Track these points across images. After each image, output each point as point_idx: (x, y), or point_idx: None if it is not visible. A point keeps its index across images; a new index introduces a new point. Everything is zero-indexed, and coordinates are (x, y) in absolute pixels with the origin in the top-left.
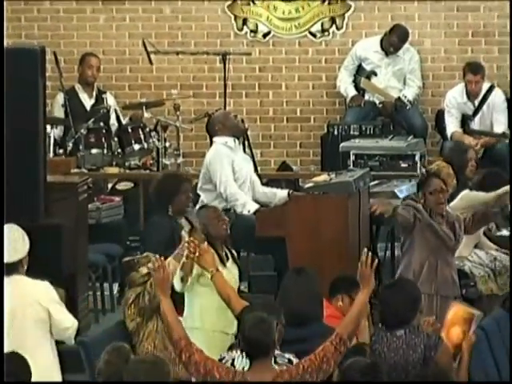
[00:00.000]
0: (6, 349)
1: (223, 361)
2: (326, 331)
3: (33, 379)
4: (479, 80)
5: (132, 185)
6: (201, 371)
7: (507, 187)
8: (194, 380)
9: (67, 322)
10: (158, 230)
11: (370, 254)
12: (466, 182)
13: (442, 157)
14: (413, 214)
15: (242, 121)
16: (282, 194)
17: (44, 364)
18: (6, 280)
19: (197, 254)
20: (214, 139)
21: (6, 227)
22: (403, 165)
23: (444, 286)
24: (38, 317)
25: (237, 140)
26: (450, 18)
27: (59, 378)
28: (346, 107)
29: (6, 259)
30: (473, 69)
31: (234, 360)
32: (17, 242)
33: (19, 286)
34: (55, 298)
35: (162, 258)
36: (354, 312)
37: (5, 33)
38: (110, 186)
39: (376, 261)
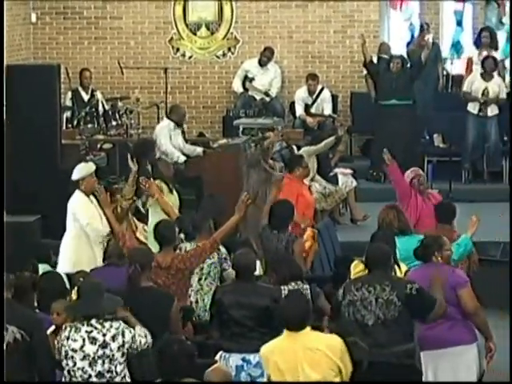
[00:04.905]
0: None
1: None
2: None
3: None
4: (315, 84)
5: (112, 145)
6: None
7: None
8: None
9: (84, 221)
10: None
11: (248, 196)
12: (312, 142)
13: (294, 129)
14: (257, 157)
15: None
16: (199, 149)
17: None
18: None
19: (146, 186)
20: (165, 118)
21: (85, 165)
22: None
23: None
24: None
25: (176, 126)
26: (299, 48)
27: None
28: (237, 99)
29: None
30: (312, 77)
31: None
32: (82, 169)
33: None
34: (83, 207)
35: (102, 187)
36: (227, 225)
37: (36, 56)
38: (98, 146)
39: (250, 201)
